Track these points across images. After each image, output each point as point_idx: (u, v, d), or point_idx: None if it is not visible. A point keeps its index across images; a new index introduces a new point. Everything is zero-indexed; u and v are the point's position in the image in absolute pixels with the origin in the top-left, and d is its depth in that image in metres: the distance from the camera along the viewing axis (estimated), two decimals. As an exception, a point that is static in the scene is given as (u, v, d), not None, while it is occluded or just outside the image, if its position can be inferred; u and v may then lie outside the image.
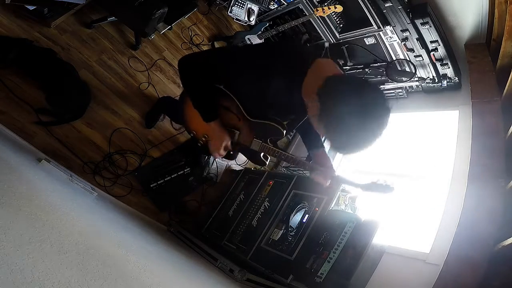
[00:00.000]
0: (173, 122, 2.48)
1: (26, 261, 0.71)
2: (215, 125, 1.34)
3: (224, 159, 1.73)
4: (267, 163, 1.50)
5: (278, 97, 1.15)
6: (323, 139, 1.44)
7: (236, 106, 1.33)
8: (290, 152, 1.35)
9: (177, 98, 2.29)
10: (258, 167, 1.43)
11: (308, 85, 1.05)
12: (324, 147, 1.43)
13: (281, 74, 1.07)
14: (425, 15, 2.13)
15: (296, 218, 1.93)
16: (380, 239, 1.55)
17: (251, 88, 1.19)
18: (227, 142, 1.39)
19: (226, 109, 1.38)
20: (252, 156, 1.48)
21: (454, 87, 2.44)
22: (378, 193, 1.22)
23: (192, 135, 1.62)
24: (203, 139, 1.57)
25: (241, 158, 1.63)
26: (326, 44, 2.68)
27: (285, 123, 1.30)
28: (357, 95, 0.90)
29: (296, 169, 2.50)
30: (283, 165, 2.74)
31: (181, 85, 1.31)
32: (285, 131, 1.28)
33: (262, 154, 1.42)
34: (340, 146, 0.96)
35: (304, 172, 2.43)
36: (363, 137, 0.92)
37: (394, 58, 2.50)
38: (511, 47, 1.80)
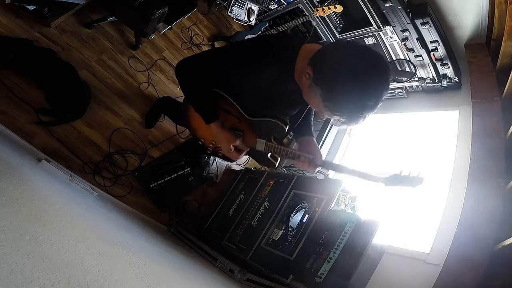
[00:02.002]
0: (177, 125, 2.46)
1: (26, 261, 0.71)
2: (216, 126, 1.31)
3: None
4: (277, 164, 1.42)
5: (275, 90, 1.15)
6: (323, 119, 1.41)
7: (234, 107, 1.32)
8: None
9: (177, 99, 2.29)
10: (268, 168, 1.39)
11: (299, 69, 1.07)
12: (313, 136, 1.40)
13: (271, 65, 1.07)
14: (425, 15, 2.13)
15: (296, 218, 1.93)
16: (380, 239, 1.55)
17: (245, 86, 1.19)
18: (235, 141, 1.34)
19: (225, 112, 1.36)
20: (260, 158, 1.45)
21: (454, 87, 2.44)
22: (405, 187, 1.12)
23: (200, 143, 1.60)
24: (211, 145, 1.56)
25: (242, 158, 1.61)
26: (314, 23, 2.68)
27: (287, 120, 1.30)
28: (348, 49, 0.94)
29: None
30: (283, 164, 2.74)
31: (180, 89, 1.30)
32: (287, 127, 1.27)
33: (269, 154, 1.38)
34: (346, 108, 0.91)
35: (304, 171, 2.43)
36: (369, 85, 0.87)
37: (394, 58, 2.50)
38: (511, 47, 1.80)
